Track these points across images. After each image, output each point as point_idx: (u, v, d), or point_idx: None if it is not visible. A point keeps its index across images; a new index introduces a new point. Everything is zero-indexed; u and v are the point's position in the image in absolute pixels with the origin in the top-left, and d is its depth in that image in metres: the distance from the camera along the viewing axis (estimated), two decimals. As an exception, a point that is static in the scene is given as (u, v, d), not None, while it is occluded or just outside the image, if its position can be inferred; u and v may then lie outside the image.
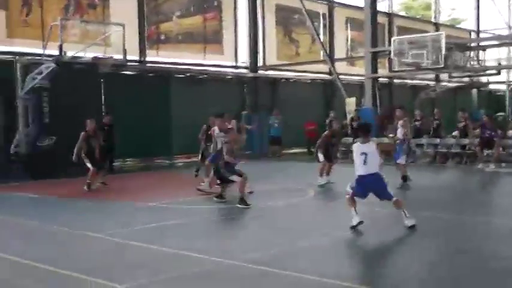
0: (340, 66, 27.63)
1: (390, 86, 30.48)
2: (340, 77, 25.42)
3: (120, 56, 18.28)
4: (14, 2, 19.07)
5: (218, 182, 12.11)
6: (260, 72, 26.70)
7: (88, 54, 17.78)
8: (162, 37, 23.53)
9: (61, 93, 17.67)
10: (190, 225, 9.87)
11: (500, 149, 18.46)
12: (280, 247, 7.94)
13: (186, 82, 23.64)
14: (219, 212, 10.90)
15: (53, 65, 17.04)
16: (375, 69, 23.68)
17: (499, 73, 28.88)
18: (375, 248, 8.19)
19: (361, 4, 24.80)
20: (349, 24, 31.06)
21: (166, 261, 7.38)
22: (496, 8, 35.29)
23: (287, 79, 28.01)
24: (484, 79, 34.12)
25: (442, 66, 20.71)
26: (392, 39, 23.15)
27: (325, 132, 14.80)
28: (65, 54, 17.07)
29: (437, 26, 35.85)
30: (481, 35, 37.72)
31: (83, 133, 14.23)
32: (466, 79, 31.50)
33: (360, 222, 8.75)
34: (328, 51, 27.26)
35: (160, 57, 23.21)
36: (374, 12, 23.76)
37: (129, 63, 19.76)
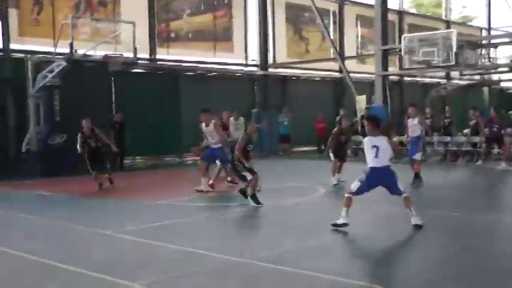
0: (350, 64, 27.55)
1: (400, 84, 30.38)
2: (350, 74, 25.33)
3: (130, 54, 18.33)
4: (26, 1, 19.20)
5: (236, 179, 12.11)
6: (270, 70, 26.70)
7: (98, 52, 17.83)
8: (172, 35, 23.59)
9: (72, 91, 17.81)
10: (199, 223, 9.91)
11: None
12: (290, 245, 7.94)
13: (196, 80, 23.69)
14: (227, 210, 10.90)
15: (63, 63, 17.13)
16: (385, 67, 23.60)
17: (510, 71, 28.71)
18: (384, 246, 8.15)
19: (372, 1, 24.72)
20: (359, 22, 30.99)
21: (176, 259, 7.41)
22: (507, 5, 35.05)
23: (297, 77, 28.00)
24: (495, 77, 33.96)
25: (453, 64, 20.60)
26: (402, 36, 23.07)
27: (334, 130, 14.77)
28: (75, 52, 17.14)
29: (448, 23, 35.70)
30: (492, 33, 37.51)
31: (79, 134, 13.91)
32: (477, 77, 31.36)
33: (345, 224, 8.66)
34: (338, 49, 27.18)
35: (171, 55, 23.27)
36: (384, 10, 23.67)
37: (139, 61, 19.83)
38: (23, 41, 19.14)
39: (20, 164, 17.46)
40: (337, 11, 29.70)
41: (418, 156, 14.32)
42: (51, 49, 18.13)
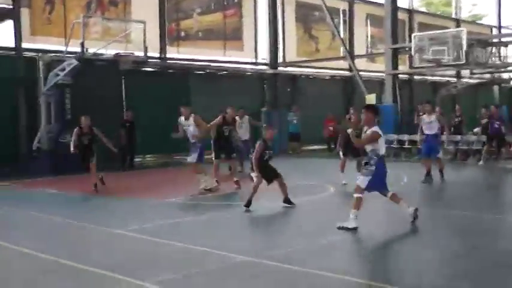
0: (360, 63, 27.53)
1: (410, 83, 30.31)
2: (360, 73, 25.34)
3: (140, 53, 18.42)
4: (37, 0, 19.31)
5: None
6: (280, 68, 26.72)
7: (109, 51, 17.95)
8: (182, 34, 23.67)
9: (83, 89, 17.94)
10: (207, 222, 9.94)
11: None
12: (300, 244, 7.96)
13: (205, 79, 23.76)
14: (236, 209, 10.91)
15: (75, 62, 17.26)
16: (395, 66, 23.58)
17: (521, 69, 28.61)
18: (394, 245, 8.18)
19: (382, 0, 24.70)
20: (369, 21, 30.96)
21: (185, 257, 7.44)
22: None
23: (307, 75, 28.00)
24: (505, 75, 33.78)
25: (463, 62, 20.57)
26: (412, 35, 23.04)
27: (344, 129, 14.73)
28: (86, 51, 17.26)
29: (458, 22, 35.59)
30: (503, 31, 37.33)
31: (76, 129, 13.76)
32: (488, 75, 31.22)
33: (355, 228, 8.54)
34: (348, 48, 27.17)
35: (181, 54, 23.34)
36: (394, 9, 23.64)
37: (149, 60, 19.90)
38: (35, 40, 19.27)
39: (31, 162, 17.58)
40: (347, 10, 29.69)
41: (440, 154, 14.47)
42: (63, 48, 18.26)
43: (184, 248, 7.84)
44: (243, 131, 16.81)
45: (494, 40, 25.61)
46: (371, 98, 23.19)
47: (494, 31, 37.69)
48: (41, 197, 13.22)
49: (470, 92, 30.73)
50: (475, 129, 20.33)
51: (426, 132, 14.42)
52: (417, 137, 17.27)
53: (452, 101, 27.34)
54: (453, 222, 9.59)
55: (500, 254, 7.39)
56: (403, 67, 25.86)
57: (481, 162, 18.29)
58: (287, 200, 10.84)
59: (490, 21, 39.35)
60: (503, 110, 23.97)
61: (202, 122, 13.12)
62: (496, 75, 31.84)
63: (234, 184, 13.08)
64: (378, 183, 8.78)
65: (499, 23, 37.95)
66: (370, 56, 30.61)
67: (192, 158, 13.03)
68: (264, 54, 26.50)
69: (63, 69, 17.46)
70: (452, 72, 31.13)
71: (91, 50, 17.45)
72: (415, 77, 30.47)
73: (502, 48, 24.66)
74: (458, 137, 20.01)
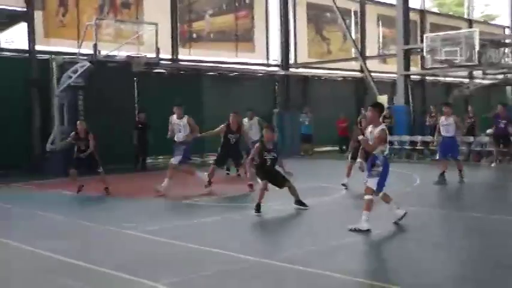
0: (372, 64, 27.48)
1: (423, 84, 30.22)
2: (372, 74, 25.29)
3: (153, 55, 18.49)
4: (51, 3, 19.45)
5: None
6: (291, 70, 26.72)
7: (122, 53, 18.03)
8: (194, 35, 23.73)
9: (95, 91, 18.04)
10: (220, 223, 9.97)
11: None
12: (312, 246, 7.96)
13: (217, 80, 23.81)
14: (248, 210, 10.92)
15: (87, 64, 17.35)
16: (407, 67, 23.53)
17: (534, 70, 28.37)
18: (406, 247, 8.14)
19: (393, 1, 24.66)
20: (380, 22, 30.89)
21: (198, 258, 7.45)
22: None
23: (318, 77, 27.98)
24: (518, 76, 33.51)
25: (476, 63, 20.49)
26: (424, 36, 22.97)
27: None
28: (99, 53, 17.36)
29: (470, 22, 35.41)
30: (516, 31, 37.11)
31: (72, 134, 13.61)
32: (501, 76, 31.01)
33: (368, 230, 8.54)
34: (359, 49, 27.15)
35: (192, 55, 23.41)
36: (406, 9, 23.59)
37: (161, 62, 19.96)
38: (48, 42, 19.40)
39: (44, 163, 17.69)
40: (358, 11, 29.63)
41: (459, 155, 14.73)
42: (76, 50, 18.36)
43: (197, 249, 7.86)
44: (253, 133, 16.83)
45: (507, 40, 25.48)
46: (383, 99, 23.16)
47: (507, 31, 37.47)
48: (53, 198, 13.27)
49: (483, 93, 30.58)
50: (488, 131, 20.22)
51: (443, 133, 14.47)
52: (430, 138, 17.26)
53: (465, 102, 27.23)
54: (466, 224, 9.56)
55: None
56: (415, 68, 25.78)
57: (493, 164, 18.21)
58: (299, 202, 10.76)
59: (503, 21, 39.13)
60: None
61: (195, 125, 13.17)
62: (509, 75, 31.58)
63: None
64: (384, 183, 8.81)
65: (512, 23, 37.76)
66: (382, 57, 30.54)
67: (175, 159, 13.07)
68: (275, 56, 26.53)
69: (76, 71, 17.56)
70: (465, 73, 30.99)
71: (104, 52, 17.54)
72: (427, 78, 30.38)
73: (515, 49, 24.53)
74: (471, 138, 19.93)
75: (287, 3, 26.37)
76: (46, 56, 18.87)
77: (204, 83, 22.90)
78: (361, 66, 26.40)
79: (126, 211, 11.49)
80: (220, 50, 24.32)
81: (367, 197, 8.75)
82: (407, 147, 21.35)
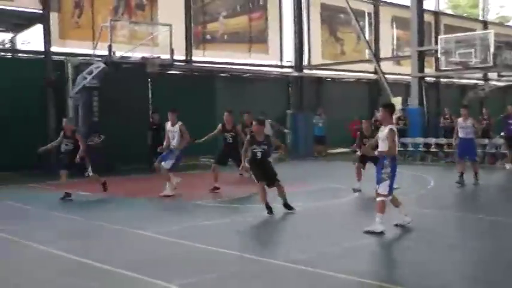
0: (386, 65, 27.40)
1: (437, 85, 30.08)
2: (386, 76, 25.22)
3: (167, 56, 18.57)
4: (67, 5, 19.61)
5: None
6: (305, 71, 26.71)
7: (136, 54, 18.13)
8: (208, 37, 23.80)
9: (110, 92, 18.14)
10: (233, 225, 9.96)
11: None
12: (324, 248, 7.97)
13: (231, 82, 23.87)
14: (262, 211, 10.94)
15: (102, 65, 17.47)
16: (421, 69, 23.44)
17: (550, 72, 28.14)
18: (418, 249, 8.11)
19: (408, 3, 24.57)
20: (394, 23, 30.79)
21: (212, 260, 7.48)
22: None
23: (332, 78, 27.95)
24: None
25: (491, 65, 20.36)
26: (439, 38, 22.88)
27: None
28: (114, 54, 17.46)
29: (485, 24, 35.18)
30: (532, 33, 36.82)
31: (61, 133, 13.20)
32: (516, 78, 30.80)
33: (382, 232, 8.55)
34: (373, 50, 27.09)
35: (206, 56, 23.49)
36: (420, 11, 23.51)
37: (175, 63, 20.04)
38: (64, 43, 19.56)
39: (59, 163, 17.78)
40: (372, 12, 29.59)
41: (476, 157, 14.88)
42: (91, 51, 18.50)
43: (210, 250, 7.88)
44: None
45: (523, 42, 25.27)
46: (397, 101, 23.08)
47: (523, 33, 37.19)
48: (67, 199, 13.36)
49: (498, 94, 30.37)
50: (503, 133, 20.09)
51: (461, 136, 14.54)
52: (444, 141, 17.14)
53: (480, 104, 27.08)
54: (479, 226, 9.52)
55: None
56: (429, 70, 25.66)
57: (508, 166, 18.09)
58: (286, 205, 10.59)
59: (518, 23, 38.91)
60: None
61: (186, 132, 13.16)
62: (525, 77, 31.36)
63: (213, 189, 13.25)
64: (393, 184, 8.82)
65: (528, 24, 37.50)
66: (396, 59, 30.45)
67: (167, 164, 13.06)
68: (289, 57, 26.53)
69: (90, 72, 17.69)
70: (480, 75, 30.81)
71: (118, 53, 17.66)
72: (442, 79, 30.23)
73: (531, 51, 24.33)
74: (486, 141, 19.82)
75: (301, 4, 26.36)
76: (61, 58, 19.04)
77: (217, 84, 22.97)
78: (375, 68, 26.34)
79: (140, 212, 11.54)
80: (234, 51, 24.37)
81: (379, 199, 8.77)
82: (421, 149, 21.28)
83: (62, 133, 13.15)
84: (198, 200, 12.33)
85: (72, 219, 10.58)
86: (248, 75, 24.80)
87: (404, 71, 26.93)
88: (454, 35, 22.90)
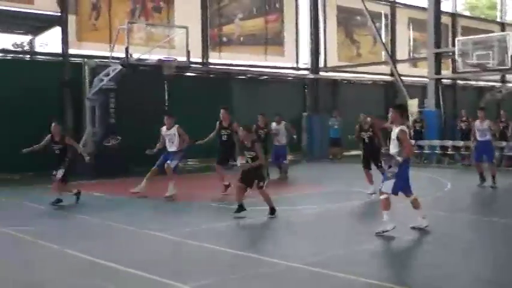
0: (402, 67, 27.32)
1: (454, 87, 29.90)
2: (402, 78, 25.12)
3: (183, 58, 18.64)
4: (84, 7, 19.80)
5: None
6: (321, 73, 26.68)
7: (153, 57, 18.23)
8: (224, 39, 23.87)
9: (127, 94, 18.28)
10: (247, 227, 10.00)
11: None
12: (336, 250, 7.99)
13: (247, 84, 23.91)
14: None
15: (119, 67, 17.60)
16: (438, 71, 23.33)
17: None
18: (430, 252, 8.07)
19: (424, 4, 24.48)
20: (411, 25, 30.66)
21: (226, 261, 7.53)
22: None
23: (348, 80, 27.90)
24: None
25: (509, 67, 20.22)
26: (456, 39, 22.77)
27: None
28: (131, 56, 17.55)
29: (503, 25, 34.92)
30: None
31: (48, 136, 12.52)
32: (534, 80, 30.59)
33: (394, 228, 8.56)
34: (389, 52, 27.00)
35: (223, 59, 23.56)
36: (437, 13, 23.41)
37: (192, 65, 20.12)
38: (81, 46, 19.74)
39: (76, 165, 17.92)
40: (388, 14, 29.48)
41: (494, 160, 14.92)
42: (108, 53, 18.64)
43: (225, 252, 7.92)
44: (280, 137, 17.09)
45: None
46: (413, 103, 22.98)
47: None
48: (84, 200, 13.37)
49: (515, 97, 30.14)
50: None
51: (479, 138, 14.51)
52: (461, 143, 17.00)
53: (497, 106, 26.88)
54: (495, 229, 9.47)
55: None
56: (446, 72, 25.51)
57: None
58: (272, 210, 10.45)
59: (537, 24, 38.49)
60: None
61: (184, 133, 13.17)
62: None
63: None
64: (402, 185, 8.79)
65: (546, 26, 37.11)
66: (413, 61, 30.33)
67: (172, 163, 13.10)
68: (305, 59, 26.53)
69: (107, 74, 17.84)
70: (497, 77, 30.59)
71: (135, 56, 17.73)
72: (459, 81, 30.06)
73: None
74: (504, 143, 19.66)
75: (317, 6, 26.35)
76: (79, 60, 19.21)
77: (233, 87, 23.02)
78: (391, 70, 26.25)
79: (155, 213, 11.64)
80: (250, 53, 24.43)
81: (382, 196, 8.84)
82: (437, 151, 21.16)
83: (49, 137, 12.43)
84: (209, 202, 12.40)
85: (85, 220, 10.68)
86: (264, 77, 24.84)
87: (421, 73, 26.82)
88: (471, 36, 22.77)
